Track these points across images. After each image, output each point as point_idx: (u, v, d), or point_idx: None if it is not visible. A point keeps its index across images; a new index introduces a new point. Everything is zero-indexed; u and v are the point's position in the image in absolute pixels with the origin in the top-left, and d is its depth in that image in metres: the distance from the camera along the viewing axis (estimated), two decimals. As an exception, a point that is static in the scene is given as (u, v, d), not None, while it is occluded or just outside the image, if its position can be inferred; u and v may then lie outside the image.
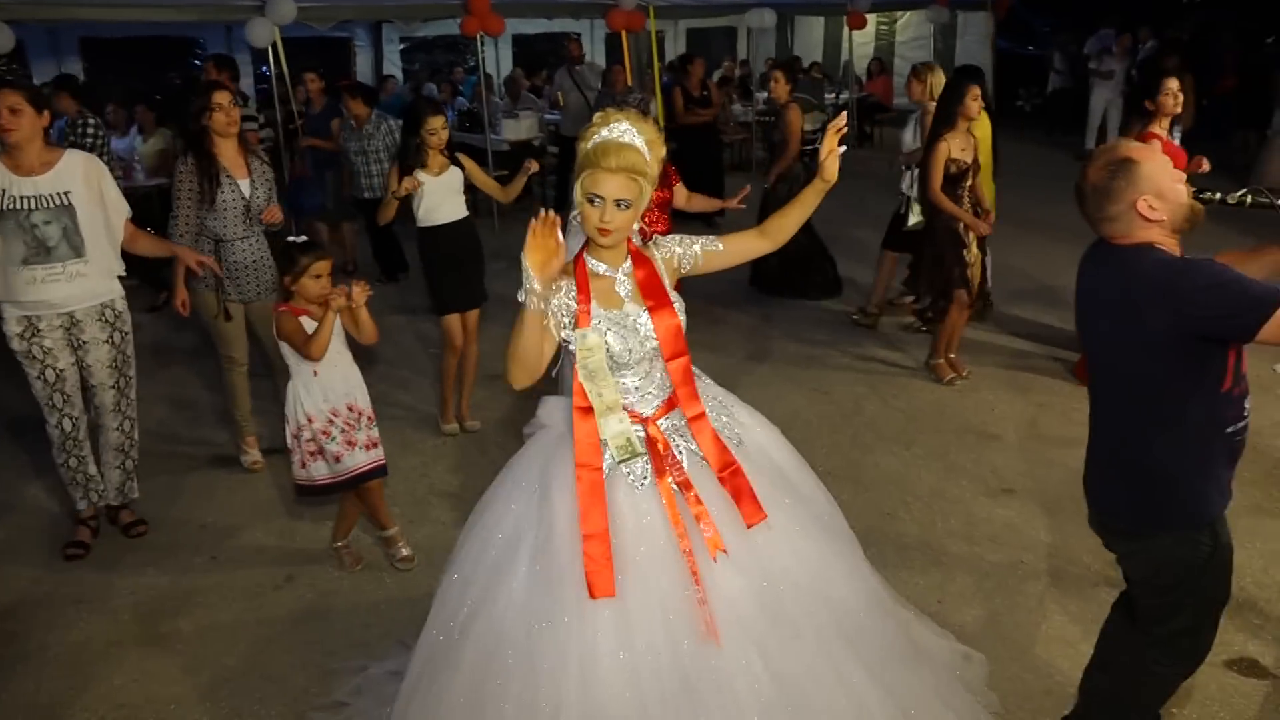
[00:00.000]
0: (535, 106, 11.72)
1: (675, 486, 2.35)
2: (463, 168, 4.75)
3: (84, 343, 3.76)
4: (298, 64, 9.37)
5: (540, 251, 2.12)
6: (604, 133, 2.27)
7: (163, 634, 3.47)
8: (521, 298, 2.18)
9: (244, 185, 4.33)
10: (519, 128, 10.34)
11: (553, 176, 10.19)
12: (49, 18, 8.22)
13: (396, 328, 6.64)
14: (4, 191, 3.50)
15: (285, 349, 3.56)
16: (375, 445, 3.68)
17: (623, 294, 2.36)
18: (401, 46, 14.73)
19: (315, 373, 3.54)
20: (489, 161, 9.67)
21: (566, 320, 2.31)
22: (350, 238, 8.26)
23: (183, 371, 6.06)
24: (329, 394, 3.57)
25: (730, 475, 2.35)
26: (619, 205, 2.26)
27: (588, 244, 2.38)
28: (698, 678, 2.16)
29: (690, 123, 9.43)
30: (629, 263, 2.40)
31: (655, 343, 2.35)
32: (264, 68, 13.00)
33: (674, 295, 2.41)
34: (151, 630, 3.49)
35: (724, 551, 2.28)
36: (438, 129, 4.56)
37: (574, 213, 2.39)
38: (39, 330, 3.66)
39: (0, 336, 3.77)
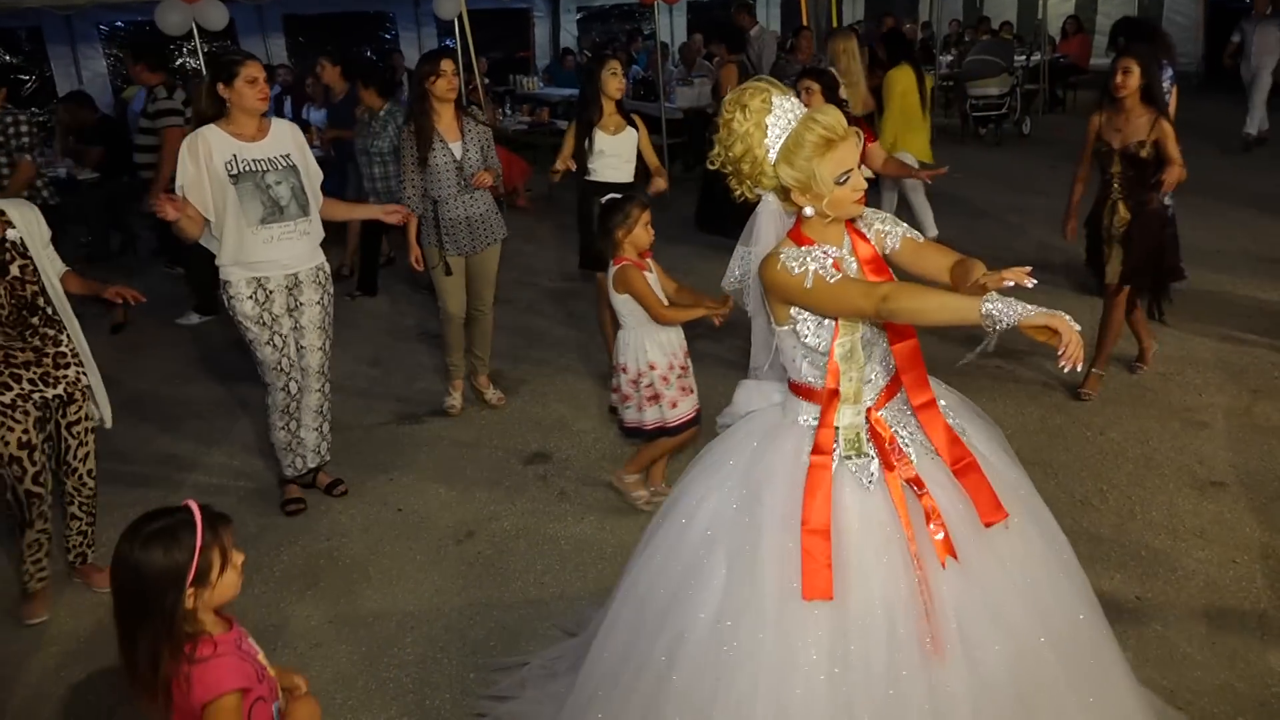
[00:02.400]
0: (710, 74, 11.61)
1: (905, 483, 2.19)
2: (639, 130, 4.78)
3: (300, 304, 3.93)
4: (481, 36, 9.63)
5: None
6: (790, 111, 2.12)
7: (354, 580, 3.67)
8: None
9: (455, 147, 4.55)
10: (693, 95, 10.28)
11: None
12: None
13: (566, 291, 6.76)
14: (235, 156, 3.70)
15: (624, 301, 3.74)
16: (693, 392, 3.88)
17: (849, 270, 2.20)
18: (578, 17, 14.89)
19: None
20: (662, 129, 9.68)
21: (831, 271, 2.14)
22: (354, 239, 7.41)
23: (372, 333, 6.37)
24: (670, 343, 3.81)
25: (965, 469, 2.18)
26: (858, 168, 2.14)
27: (800, 225, 2.23)
28: (914, 695, 2.01)
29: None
30: (848, 239, 2.25)
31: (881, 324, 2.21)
32: (448, 41, 13.49)
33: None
34: (345, 576, 3.69)
35: (954, 558, 2.11)
36: (617, 71, 4.70)
37: (767, 194, 2.28)
38: (269, 293, 3.82)
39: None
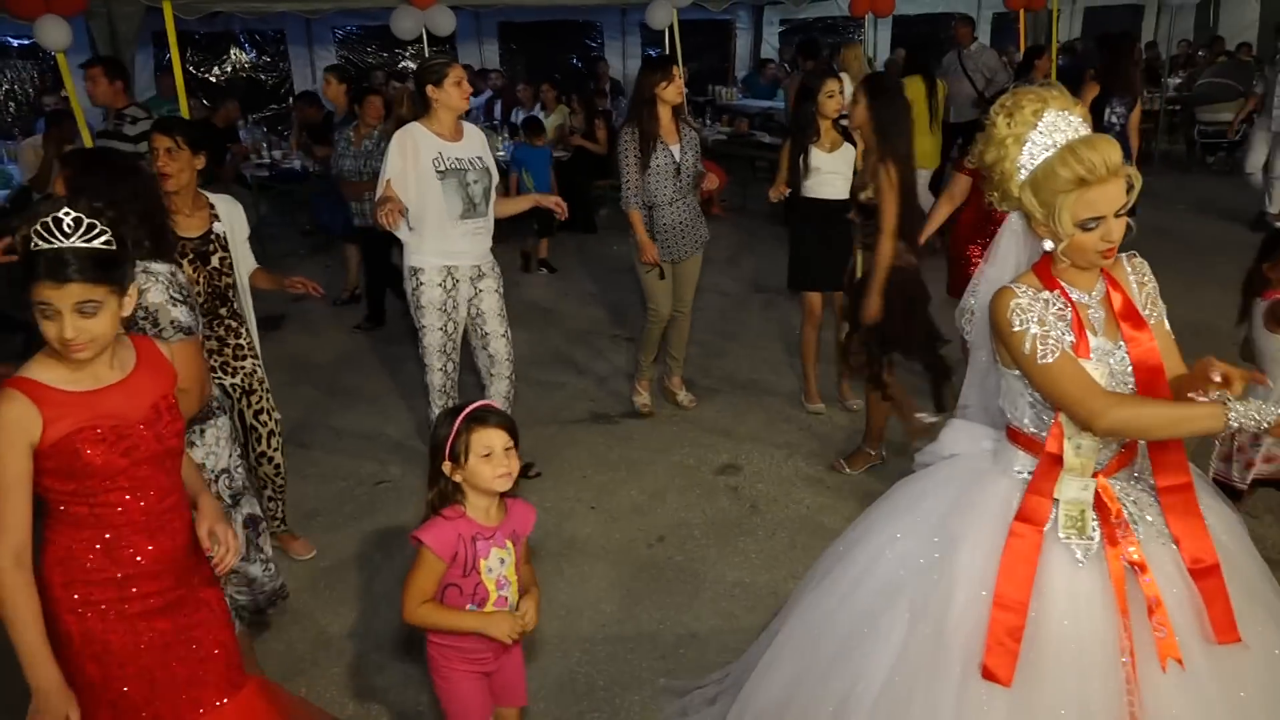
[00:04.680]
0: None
1: (1128, 565, 1.93)
2: (856, 145, 4.69)
3: (480, 291, 4.17)
4: (683, 46, 9.71)
5: None
6: (1060, 132, 1.88)
7: (546, 572, 3.74)
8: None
9: (675, 150, 4.67)
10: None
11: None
12: (482, 3, 9.11)
13: (759, 304, 6.71)
14: (440, 154, 3.96)
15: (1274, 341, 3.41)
16: None
17: (1095, 323, 1.99)
18: (780, 29, 14.81)
19: None
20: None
21: (1052, 348, 1.91)
22: (354, 266, 7.04)
23: (569, 331, 6.53)
24: None
25: (1205, 573, 1.91)
26: (1118, 215, 1.88)
27: (1047, 262, 2.00)
28: None
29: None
30: (1102, 285, 2.02)
31: (1133, 382, 1.96)
32: (651, 50, 13.71)
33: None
34: (541, 568, 3.75)
35: (1178, 662, 1.84)
36: (835, 92, 4.62)
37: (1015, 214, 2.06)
38: (456, 282, 4.09)
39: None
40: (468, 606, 2.27)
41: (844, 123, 4.69)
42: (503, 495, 2.34)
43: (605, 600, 3.55)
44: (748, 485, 4.34)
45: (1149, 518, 1.99)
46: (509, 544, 2.34)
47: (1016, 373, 2.01)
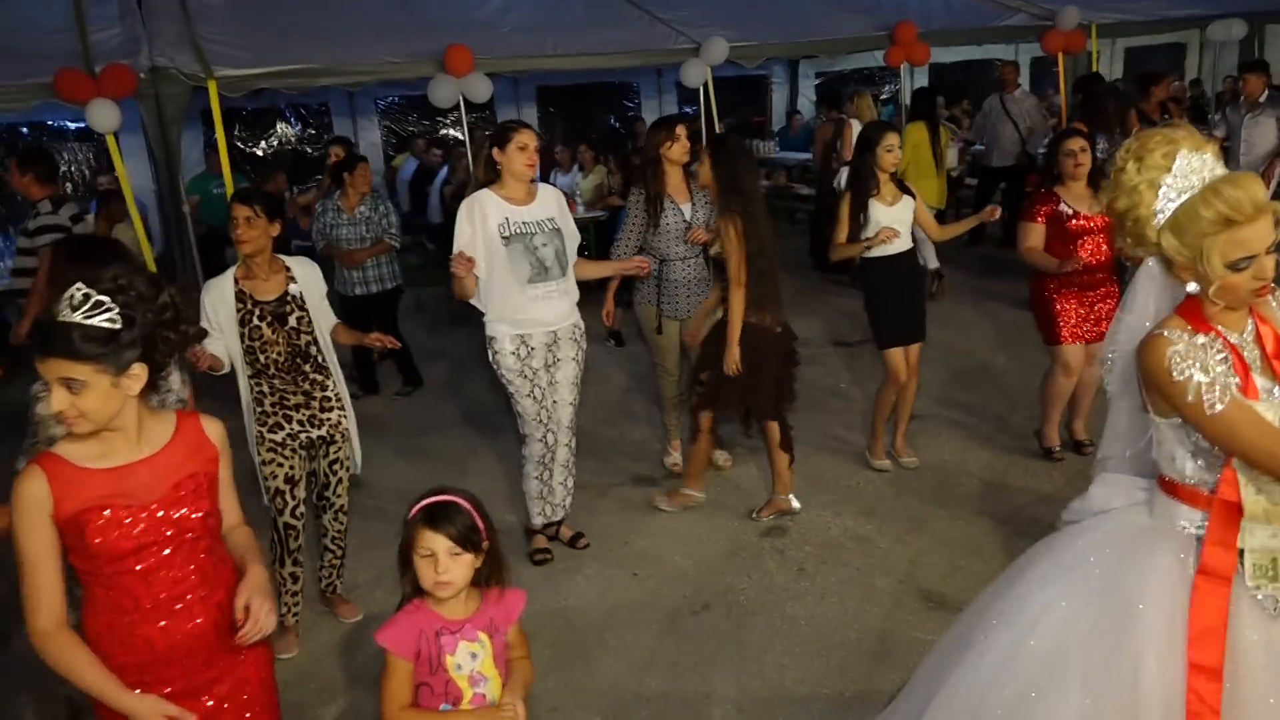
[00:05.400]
0: (955, 136, 11.24)
1: None
2: (915, 197, 4.62)
3: (557, 359, 4.07)
4: (718, 102, 9.77)
5: None
6: (1196, 173, 1.83)
7: (590, 644, 3.64)
8: None
9: (685, 208, 4.65)
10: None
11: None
12: (518, 69, 9.25)
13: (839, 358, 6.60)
14: (507, 219, 3.88)
15: None
16: None
17: (1252, 362, 1.90)
18: (816, 81, 14.88)
19: None
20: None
21: (1220, 395, 1.83)
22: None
23: (607, 390, 6.47)
24: None
25: None
26: (1269, 252, 1.82)
27: (1194, 304, 1.92)
28: None
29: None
30: (1252, 323, 1.94)
31: None
32: (687, 108, 13.83)
33: None
34: (582, 640, 3.67)
35: None
36: (895, 145, 4.56)
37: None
38: (531, 350, 3.98)
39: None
40: (440, 706, 2.13)
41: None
42: (484, 584, 2.21)
43: (650, 672, 3.42)
44: (794, 547, 4.21)
45: None
46: (483, 636, 2.19)
47: (1174, 422, 1.92)
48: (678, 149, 4.57)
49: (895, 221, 4.57)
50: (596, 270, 4.49)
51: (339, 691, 3.44)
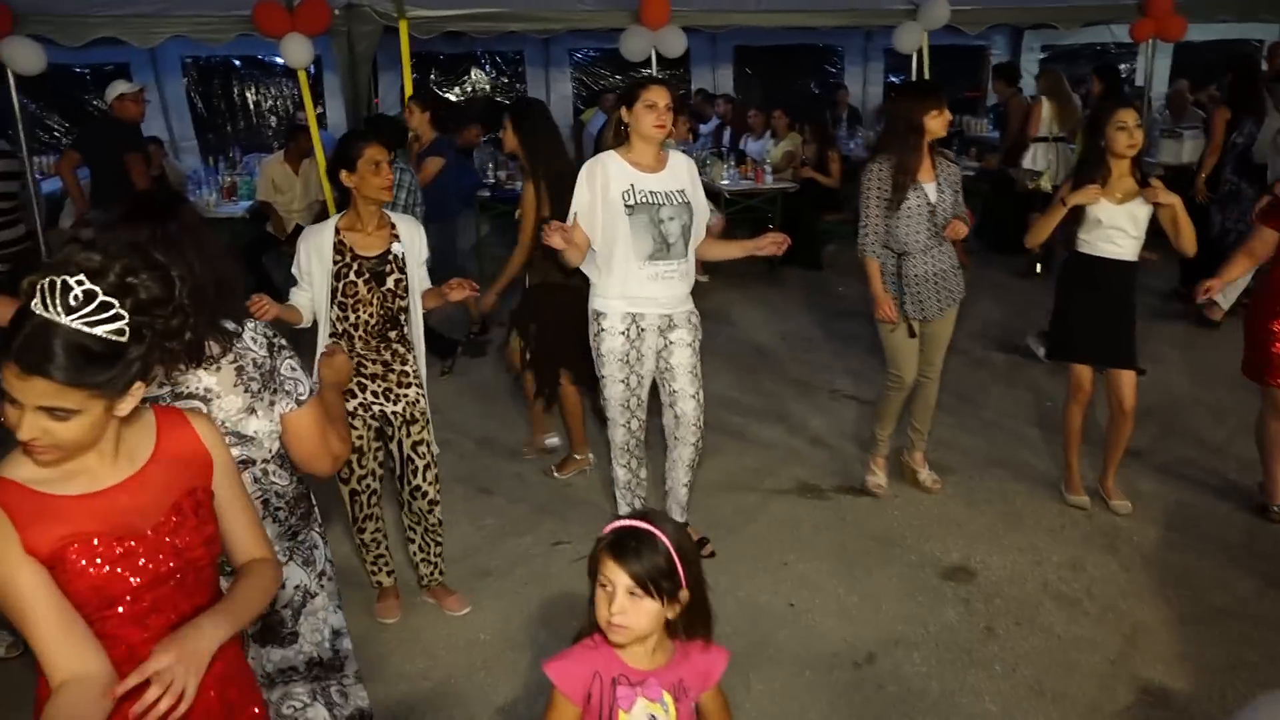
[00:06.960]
0: (1202, 125, 9.93)
1: None
2: (1161, 204, 3.81)
3: (670, 343, 3.63)
4: (934, 72, 8.93)
5: None
6: None
7: (730, 682, 3.18)
8: None
9: (930, 189, 4.00)
10: (1180, 150, 8.77)
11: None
12: (717, 25, 8.75)
13: (1004, 366, 5.86)
14: (632, 186, 3.47)
15: None
16: None
17: None
18: (1042, 56, 13.60)
19: None
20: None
21: None
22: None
23: (779, 384, 5.95)
24: None
25: None
26: None
27: None
28: None
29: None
30: None
31: None
32: (893, 77, 12.91)
33: None
34: (725, 677, 3.23)
35: None
36: (1128, 124, 3.76)
37: None
38: (642, 331, 3.59)
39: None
40: None
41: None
42: (681, 635, 1.84)
43: (798, 730, 2.95)
44: (982, 598, 3.60)
45: None
46: (667, 698, 1.81)
47: None
48: (942, 121, 3.96)
49: (1116, 224, 3.82)
50: (725, 251, 4.03)
51: (460, 710, 3.14)
